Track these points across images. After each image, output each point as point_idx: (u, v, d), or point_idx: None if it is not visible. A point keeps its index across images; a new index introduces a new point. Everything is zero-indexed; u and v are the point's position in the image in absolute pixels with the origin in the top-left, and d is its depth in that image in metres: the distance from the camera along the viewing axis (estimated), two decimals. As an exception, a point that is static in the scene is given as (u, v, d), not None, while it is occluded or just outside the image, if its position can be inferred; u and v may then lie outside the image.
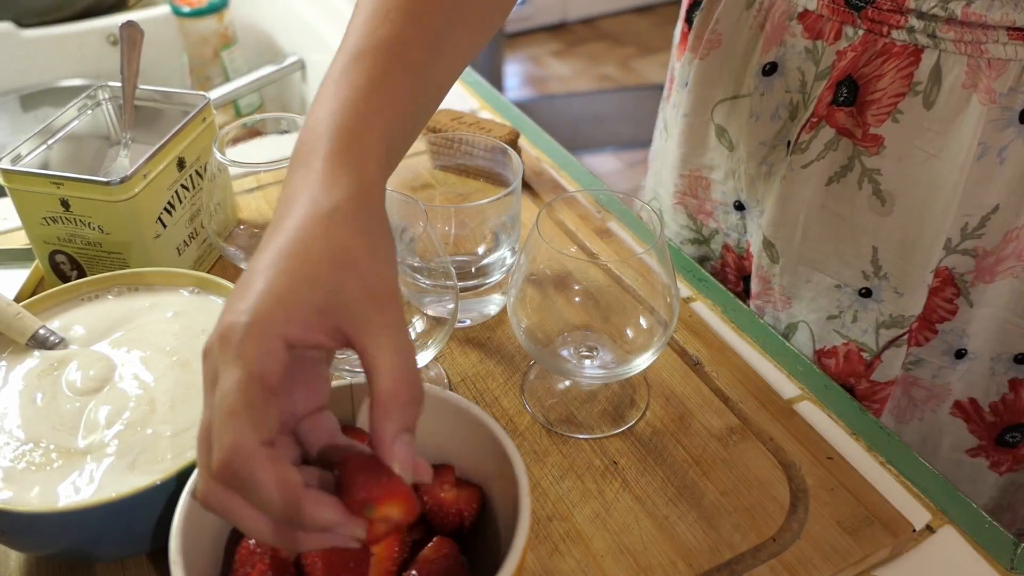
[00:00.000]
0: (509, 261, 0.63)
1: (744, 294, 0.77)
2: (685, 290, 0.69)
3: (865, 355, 0.67)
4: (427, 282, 0.55)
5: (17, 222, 0.70)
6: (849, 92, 0.60)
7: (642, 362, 0.53)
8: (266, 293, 0.35)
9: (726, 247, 0.77)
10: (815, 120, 0.62)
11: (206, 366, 0.36)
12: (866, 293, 0.65)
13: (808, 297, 0.69)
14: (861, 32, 0.59)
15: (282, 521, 0.34)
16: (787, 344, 0.64)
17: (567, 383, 0.60)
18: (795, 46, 0.63)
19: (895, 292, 0.64)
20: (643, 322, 0.56)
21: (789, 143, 0.65)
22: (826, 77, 0.62)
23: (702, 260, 0.81)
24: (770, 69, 0.65)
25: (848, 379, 0.68)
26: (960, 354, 0.66)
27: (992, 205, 0.59)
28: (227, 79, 1.19)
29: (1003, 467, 0.69)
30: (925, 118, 0.58)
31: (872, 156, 0.61)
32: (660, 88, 0.84)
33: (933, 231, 0.60)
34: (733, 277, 0.79)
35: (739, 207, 0.73)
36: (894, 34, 0.57)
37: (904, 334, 0.65)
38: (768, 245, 0.69)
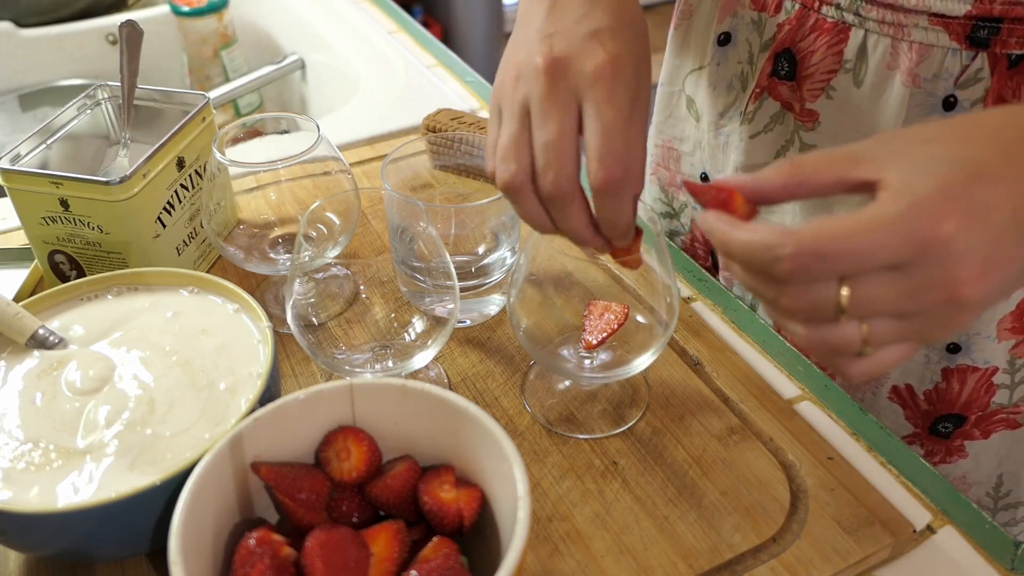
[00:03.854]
0: (509, 261, 0.63)
1: (713, 268, 0.78)
2: (685, 290, 0.69)
3: None
4: (427, 282, 0.55)
5: (16, 222, 0.70)
6: (789, 65, 0.62)
7: (642, 362, 0.53)
8: None
9: (694, 221, 0.80)
10: (758, 91, 0.65)
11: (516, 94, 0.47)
12: None
13: None
14: (797, 6, 0.61)
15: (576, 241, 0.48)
16: (787, 344, 0.64)
17: (567, 383, 0.60)
18: (744, 17, 0.66)
19: None
20: (643, 322, 0.56)
21: (742, 113, 0.68)
22: (768, 49, 0.64)
23: (672, 235, 0.83)
24: (724, 39, 0.68)
25: (799, 352, 0.69)
26: None
27: None
28: (227, 79, 1.19)
29: (936, 458, 0.70)
30: (854, 96, 0.60)
31: (809, 132, 0.63)
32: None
33: None
34: (702, 252, 0.80)
35: (705, 179, 0.76)
36: (824, 10, 0.59)
37: None
38: None
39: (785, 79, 0.63)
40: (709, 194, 0.40)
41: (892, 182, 0.36)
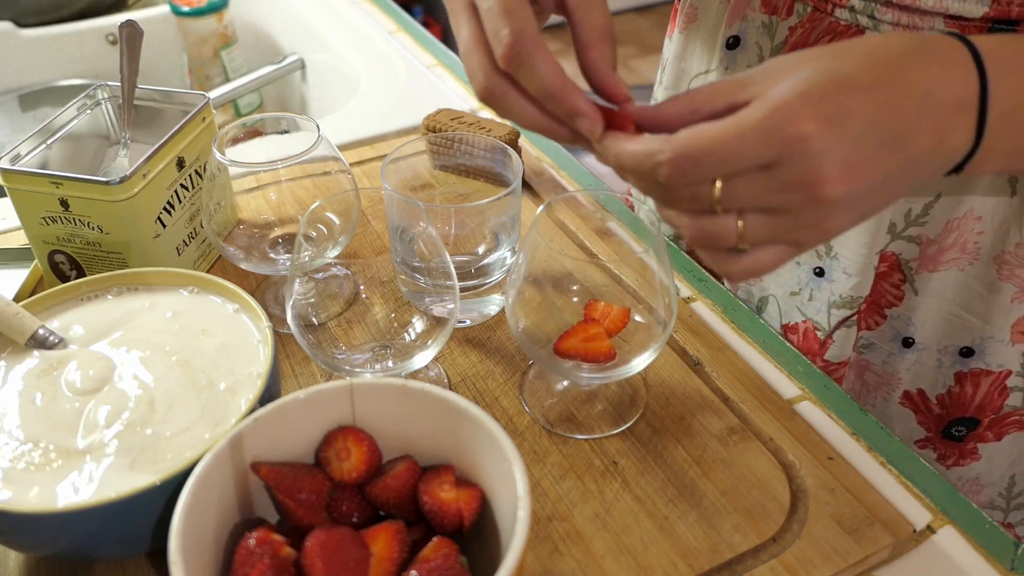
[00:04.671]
0: (509, 261, 0.63)
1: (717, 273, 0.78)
2: (685, 290, 0.69)
3: (819, 334, 0.69)
4: (427, 282, 0.55)
5: (16, 222, 0.70)
6: None
7: (641, 362, 0.53)
8: None
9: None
10: None
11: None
12: (820, 272, 0.67)
13: (775, 271, 0.71)
14: (810, 9, 0.60)
15: (547, 100, 0.42)
16: (787, 344, 0.64)
17: (566, 383, 0.60)
18: (754, 20, 0.65)
19: (844, 273, 0.65)
20: (642, 322, 0.56)
21: None
22: (779, 52, 0.64)
23: (676, 239, 0.82)
24: (733, 43, 0.67)
25: (805, 356, 0.69)
26: (907, 342, 0.67)
27: (934, 193, 0.60)
28: (227, 79, 1.19)
29: (950, 461, 0.70)
30: None
31: None
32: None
33: (877, 215, 0.61)
34: None
35: None
36: (837, 12, 0.59)
37: (853, 315, 0.67)
38: None
39: None
40: (606, 117, 0.43)
41: (766, 94, 0.39)
